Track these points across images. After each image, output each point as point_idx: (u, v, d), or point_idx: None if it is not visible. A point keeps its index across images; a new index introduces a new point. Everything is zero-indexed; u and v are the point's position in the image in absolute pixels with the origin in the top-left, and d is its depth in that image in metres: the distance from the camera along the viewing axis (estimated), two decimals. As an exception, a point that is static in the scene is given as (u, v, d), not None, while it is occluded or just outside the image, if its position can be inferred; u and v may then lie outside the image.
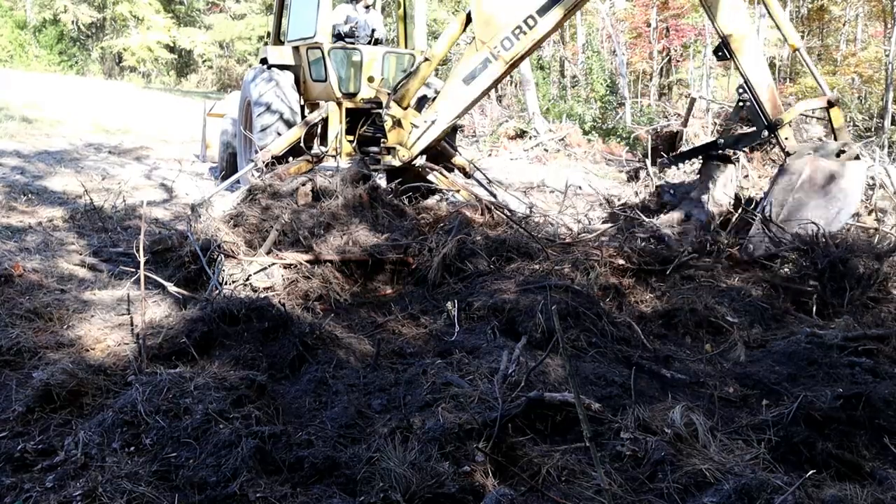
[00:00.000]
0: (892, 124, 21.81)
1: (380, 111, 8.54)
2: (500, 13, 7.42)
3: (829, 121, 7.22)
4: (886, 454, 3.32)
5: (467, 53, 7.84)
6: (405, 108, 8.22)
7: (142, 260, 4.23)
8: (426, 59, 8.17)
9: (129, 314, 4.67)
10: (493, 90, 11.85)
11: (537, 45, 7.89)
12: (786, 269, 6.37)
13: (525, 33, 7.35)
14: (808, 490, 2.70)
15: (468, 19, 7.76)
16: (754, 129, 7.40)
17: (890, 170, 9.82)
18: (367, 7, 9.85)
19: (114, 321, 4.54)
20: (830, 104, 7.08)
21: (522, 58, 7.89)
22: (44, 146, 13.43)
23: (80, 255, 6.47)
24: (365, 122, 9.39)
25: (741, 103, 7.37)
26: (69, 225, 7.87)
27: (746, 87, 7.08)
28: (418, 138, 8.12)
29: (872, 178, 9.59)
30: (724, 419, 3.60)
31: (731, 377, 4.28)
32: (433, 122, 8.02)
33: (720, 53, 7.20)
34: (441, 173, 8.92)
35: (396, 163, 8.25)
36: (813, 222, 6.45)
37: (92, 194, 8.17)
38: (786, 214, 6.76)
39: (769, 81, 7.09)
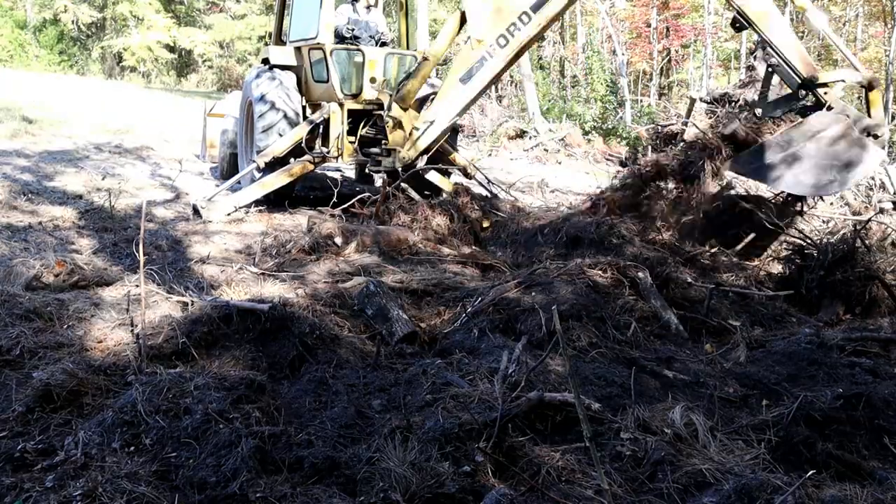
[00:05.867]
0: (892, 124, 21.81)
1: (381, 113, 8.53)
2: (495, 10, 7.34)
3: (867, 104, 6.86)
4: (886, 454, 3.32)
5: (463, 52, 7.76)
6: (405, 110, 8.20)
7: (141, 259, 4.23)
8: (425, 58, 8.13)
9: (129, 314, 4.67)
10: (491, 88, 11.63)
11: (533, 40, 7.72)
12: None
13: (520, 30, 7.25)
14: (808, 490, 2.70)
15: (464, 17, 7.71)
16: (789, 92, 7.03)
17: (890, 170, 9.81)
18: (367, 7, 9.80)
19: (114, 321, 4.54)
20: (870, 86, 6.73)
21: (519, 54, 7.77)
22: (46, 146, 13.43)
23: (81, 254, 6.47)
24: (366, 123, 9.38)
25: (770, 68, 7.08)
26: (71, 224, 7.88)
27: (773, 51, 6.78)
28: (416, 140, 8.10)
29: (872, 178, 9.58)
30: (724, 419, 3.60)
31: (731, 377, 4.27)
32: (432, 123, 7.98)
33: (737, 25, 6.90)
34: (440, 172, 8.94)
35: (398, 165, 8.24)
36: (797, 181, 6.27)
37: (94, 194, 8.18)
38: (783, 157, 6.50)
39: (795, 40, 6.79)
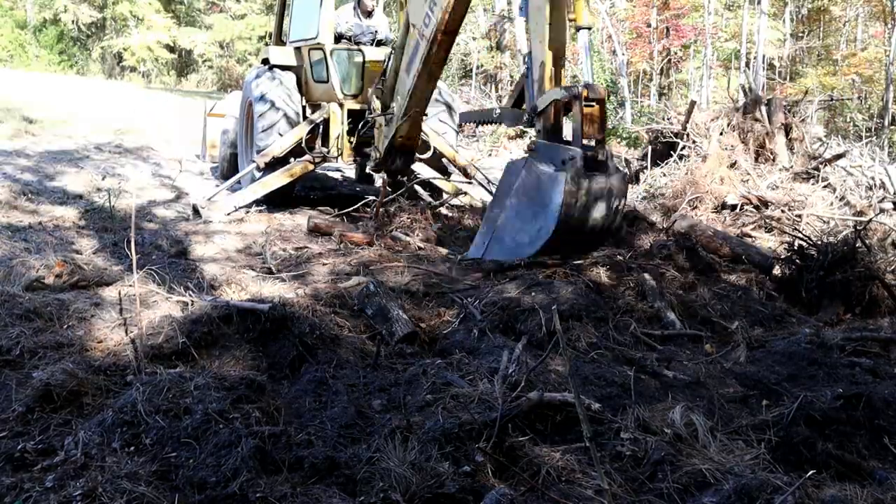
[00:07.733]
0: (891, 124, 21.81)
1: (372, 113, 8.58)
2: None
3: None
4: (886, 454, 3.32)
5: (407, 42, 7.42)
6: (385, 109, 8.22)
7: (134, 259, 4.24)
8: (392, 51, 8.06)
9: (129, 314, 4.67)
10: (490, 88, 11.31)
11: (454, 15, 6.77)
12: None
13: (436, 3, 6.69)
14: (808, 490, 2.70)
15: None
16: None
17: (890, 170, 9.82)
18: (369, 13, 9.74)
19: (114, 321, 4.54)
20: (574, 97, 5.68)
21: (448, 32, 6.88)
22: (47, 146, 13.43)
23: (82, 254, 6.47)
24: (365, 123, 9.37)
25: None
26: (71, 224, 7.87)
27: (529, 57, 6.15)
28: (381, 137, 8.07)
29: (873, 178, 9.59)
30: (724, 419, 3.60)
31: (731, 377, 4.28)
32: (390, 120, 7.94)
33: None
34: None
35: (373, 165, 8.29)
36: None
37: (94, 194, 8.16)
38: (502, 221, 6.00)
39: (545, 53, 6.04)
